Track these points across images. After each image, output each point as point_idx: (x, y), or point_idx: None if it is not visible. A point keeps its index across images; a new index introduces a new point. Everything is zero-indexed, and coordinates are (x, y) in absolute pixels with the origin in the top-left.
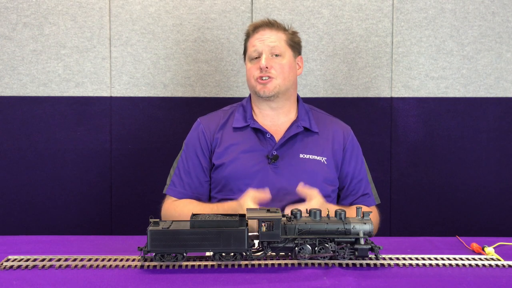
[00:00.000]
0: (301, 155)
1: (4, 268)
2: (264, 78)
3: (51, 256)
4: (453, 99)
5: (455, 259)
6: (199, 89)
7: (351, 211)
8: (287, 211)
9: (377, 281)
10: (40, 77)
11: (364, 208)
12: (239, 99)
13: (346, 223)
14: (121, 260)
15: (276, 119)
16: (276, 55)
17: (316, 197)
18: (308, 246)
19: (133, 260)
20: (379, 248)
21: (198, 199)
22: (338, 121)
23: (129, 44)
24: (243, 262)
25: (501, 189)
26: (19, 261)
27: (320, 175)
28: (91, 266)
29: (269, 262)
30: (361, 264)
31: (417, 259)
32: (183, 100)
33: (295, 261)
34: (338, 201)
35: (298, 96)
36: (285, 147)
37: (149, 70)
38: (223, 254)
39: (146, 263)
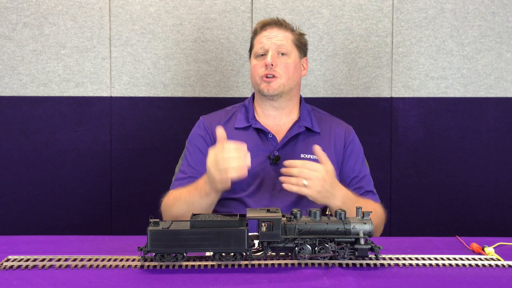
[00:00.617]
0: (302, 155)
1: (4, 268)
2: (269, 76)
3: (51, 256)
4: (453, 99)
5: (455, 259)
6: (199, 89)
7: (360, 202)
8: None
9: (377, 281)
10: (40, 77)
11: (373, 204)
12: (239, 99)
13: (346, 223)
14: (121, 260)
15: (278, 119)
16: (282, 54)
17: (329, 163)
18: (308, 246)
19: (133, 260)
20: (379, 248)
21: None
22: (340, 121)
23: (129, 44)
24: (243, 262)
25: (501, 189)
26: (19, 261)
27: None
28: (91, 266)
29: (269, 262)
30: (361, 264)
31: (417, 259)
32: (183, 100)
33: (295, 261)
34: None
35: (300, 97)
36: (287, 147)
37: (149, 70)
38: (223, 254)
39: (146, 263)
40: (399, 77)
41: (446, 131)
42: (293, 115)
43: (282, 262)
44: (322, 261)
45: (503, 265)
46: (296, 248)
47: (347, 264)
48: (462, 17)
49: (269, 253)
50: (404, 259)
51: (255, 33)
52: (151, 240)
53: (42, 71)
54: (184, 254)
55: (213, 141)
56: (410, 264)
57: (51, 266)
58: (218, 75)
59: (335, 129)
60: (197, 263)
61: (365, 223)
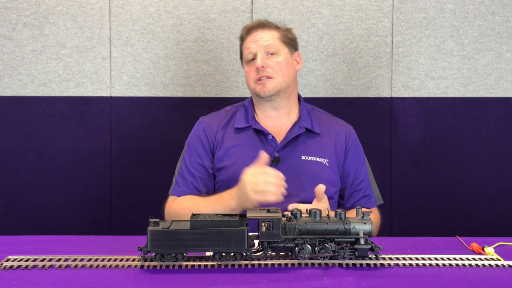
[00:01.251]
0: (302, 157)
1: (4, 268)
2: (262, 78)
3: (51, 256)
4: (453, 99)
5: (455, 259)
6: (199, 89)
7: (350, 212)
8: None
9: (377, 281)
10: (40, 77)
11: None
12: (239, 99)
13: (346, 223)
14: (121, 260)
15: (278, 120)
16: (272, 54)
17: (326, 202)
18: (308, 246)
19: (133, 260)
20: (379, 248)
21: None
22: (340, 121)
23: (129, 44)
24: (243, 262)
25: (501, 189)
26: (19, 261)
27: (322, 177)
28: (91, 266)
29: (269, 262)
30: (361, 264)
31: (417, 259)
32: (183, 100)
33: (295, 261)
34: (340, 200)
35: (299, 96)
36: (287, 149)
37: (149, 70)
38: (223, 254)
39: (146, 263)
40: (399, 77)
41: (446, 131)
42: (293, 115)
43: (282, 262)
44: (322, 261)
45: (503, 265)
46: (296, 248)
47: (347, 264)
48: (462, 17)
49: (269, 253)
50: (404, 259)
51: (241, 39)
52: (151, 240)
53: (42, 71)
54: (184, 254)
55: (212, 143)
56: (410, 264)
57: (51, 266)
58: (218, 75)
59: (336, 129)
60: (197, 263)
61: (365, 223)
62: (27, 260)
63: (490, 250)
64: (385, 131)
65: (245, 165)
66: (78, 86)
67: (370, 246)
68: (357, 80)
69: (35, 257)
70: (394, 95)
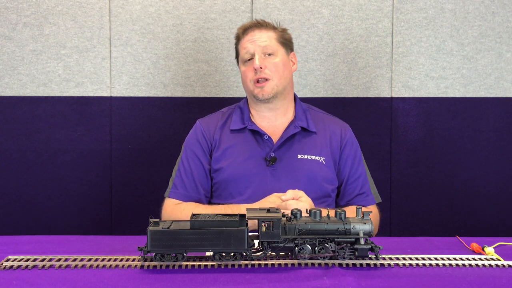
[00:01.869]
0: (299, 156)
1: (4, 268)
2: (260, 80)
3: (51, 256)
4: (453, 99)
5: (455, 259)
6: (199, 89)
7: (349, 211)
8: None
9: (377, 281)
10: (40, 77)
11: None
12: (239, 99)
13: (346, 223)
14: (121, 260)
15: (274, 120)
16: (269, 54)
17: (304, 196)
18: (308, 246)
19: (133, 260)
20: (379, 248)
21: (200, 200)
22: (336, 119)
23: (129, 44)
24: (243, 262)
25: (501, 189)
26: (19, 261)
27: (319, 175)
28: (91, 266)
29: (269, 262)
30: (361, 264)
31: (417, 259)
32: (183, 100)
33: (295, 261)
34: (337, 198)
35: (295, 96)
36: (283, 148)
37: (149, 70)
38: (223, 254)
39: (146, 263)
40: (399, 77)
41: (446, 131)
42: (289, 115)
43: (282, 262)
44: (322, 261)
45: (503, 265)
46: (296, 248)
47: (347, 264)
48: (462, 17)
49: (269, 253)
50: (404, 259)
51: (237, 39)
52: (151, 240)
53: (42, 71)
54: (184, 254)
55: (210, 144)
56: (410, 264)
57: (51, 266)
58: (218, 75)
59: (331, 127)
60: (197, 263)
61: (365, 223)
62: (27, 260)
63: (490, 250)
64: (385, 131)
65: (242, 166)
66: (78, 86)
67: (370, 246)
68: (357, 80)
69: (35, 257)
70: (394, 95)
